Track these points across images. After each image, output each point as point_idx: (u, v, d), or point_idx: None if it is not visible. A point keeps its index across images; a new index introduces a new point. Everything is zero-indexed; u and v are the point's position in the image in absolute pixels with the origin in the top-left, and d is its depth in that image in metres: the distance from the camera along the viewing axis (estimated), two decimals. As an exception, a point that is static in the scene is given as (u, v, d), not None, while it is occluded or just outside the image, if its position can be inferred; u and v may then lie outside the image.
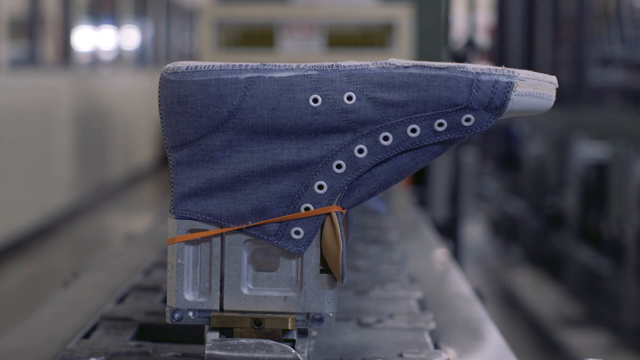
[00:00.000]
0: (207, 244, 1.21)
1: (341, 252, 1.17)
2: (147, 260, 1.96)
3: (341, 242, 1.17)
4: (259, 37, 3.55)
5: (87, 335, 1.42)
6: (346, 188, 1.18)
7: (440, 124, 1.16)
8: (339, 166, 1.17)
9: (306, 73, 1.17)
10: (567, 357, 4.78)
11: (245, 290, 1.21)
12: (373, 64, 1.18)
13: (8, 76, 7.24)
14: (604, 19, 7.19)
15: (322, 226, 1.19)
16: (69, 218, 8.69)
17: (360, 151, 1.17)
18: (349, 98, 1.16)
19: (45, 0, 8.22)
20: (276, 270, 1.21)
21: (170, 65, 1.20)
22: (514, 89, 1.15)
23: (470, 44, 4.79)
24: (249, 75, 1.17)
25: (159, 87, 1.20)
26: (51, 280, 6.42)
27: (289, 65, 1.18)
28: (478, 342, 1.45)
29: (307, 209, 1.18)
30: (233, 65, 1.18)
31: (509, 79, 1.16)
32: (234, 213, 1.19)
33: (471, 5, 10.48)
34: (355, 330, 1.46)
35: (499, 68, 1.17)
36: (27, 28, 7.84)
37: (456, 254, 4.24)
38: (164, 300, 1.60)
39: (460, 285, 1.82)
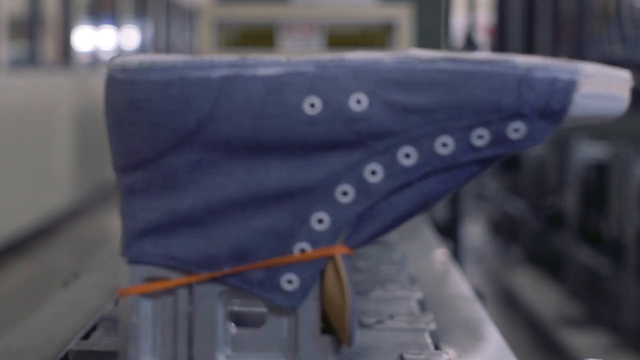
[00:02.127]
0: (170, 298, 0.94)
1: (348, 307, 0.92)
2: (147, 261, 1.95)
3: (348, 293, 0.93)
4: (259, 37, 3.56)
5: (86, 336, 1.42)
6: (355, 222, 0.92)
7: (480, 136, 0.90)
8: (344, 193, 0.91)
9: (299, 69, 0.90)
10: (567, 357, 4.78)
11: (221, 358, 0.95)
12: (389, 56, 0.92)
13: (8, 76, 7.24)
14: (604, 19, 7.18)
15: (322, 272, 0.93)
16: (69, 218, 8.69)
17: (373, 173, 0.90)
18: (357, 102, 0.89)
19: (45, 0, 8.22)
20: (263, 326, 0.96)
21: (119, 61, 0.93)
22: (577, 88, 0.90)
23: (470, 43, 4.79)
24: (224, 72, 0.90)
25: (105, 89, 0.94)
26: (51, 280, 6.42)
27: (277, 59, 0.92)
28: (478, 342, 1.45)
29: (302, 250, 0.92)
30: (203, 60, 0.92)
31: (571, 76, 0.90)
32: (205, 256, 0.92)
33: (471, 5, 10.49)
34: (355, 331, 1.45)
35: (558, 62, 0.92)
36: (27, 28, 7.84)
37: (456, 254, 4.24)
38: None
39: (460, 285, 1.82)
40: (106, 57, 10.68)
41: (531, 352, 4.85)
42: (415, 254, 2.12)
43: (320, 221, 0.91)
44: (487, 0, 11.67)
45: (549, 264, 6.62)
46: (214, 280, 0.92)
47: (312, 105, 0.90)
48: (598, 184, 5.76)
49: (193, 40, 16.66)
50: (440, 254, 2.16)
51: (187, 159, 0.91)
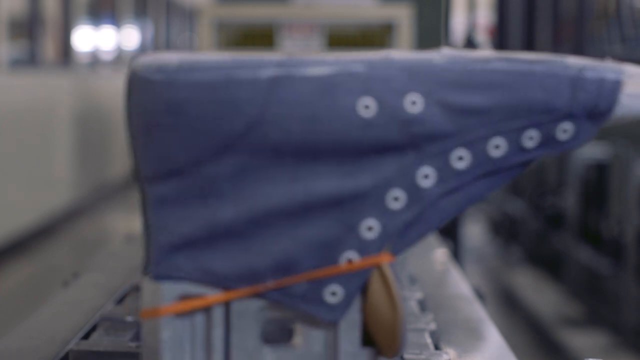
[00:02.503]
0: (202, 316, 0.86)
1: (400, 318, 0.86)
2: (147, 261, 1.95)
3: (399, 303, 0.87)
4: (259, 37, 3.56)
5: (86, 336, 1.42)
6: (403, 228, 0.86)
7: (531, 137, 0.87)
8: (395, 199, 0.85)
9: (350, 69, 0.84)
10: (567, 357, 4.78)
11: None
12: (439, 56, 0.87)
13: (8, 76, 7.24)
14: (604, 19, 7.19)
15: (366, 283, 0.86)
16: (69, 218, 8.69)
17: (426, 177, 0.85)
18: (413, 103, 0.84)
19: (45, 0, 8.22)
20: (298, 341, 0.88)
21: (149, 60, 0.85)
22: (622, 88, 0.89)
23: (471, 43, 4.79)
24: (272, 72, 0.83)
25: (132, 91, 0.84)
26: (51, 280, 6.42)
27: (325, 59, 0.84)
28: (478, 342, 1.45)
29: (349, 260, 0.85)
30: (250, 59, 0.83)
31: (617, 76, 0.89)
32: (246, 270, 0.84)
33: (471, 5, 10.49)
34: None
35: (603, 62, 0.91)
36: (27, 28, 7.84)
37: (456, 254, 4.24)
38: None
39: (460, 285, 1.82)
40: (106, 57, 10.69)
41: (531, 352, 4.85)
42: (415, 254, 2.12)
43: (369, 229, 0.85)
44: (487, 0, 11.68)
45: (549, 264, 6.61)
46: (255, 295, 0.85)
47: (367, 107, 0.84)
48: (598, 184, 5.76)
49: (193, 40, 16.66)
50: (440, 254, 2.16)
51: (229, 166, 0.83)
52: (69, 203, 8.75)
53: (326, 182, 0.83)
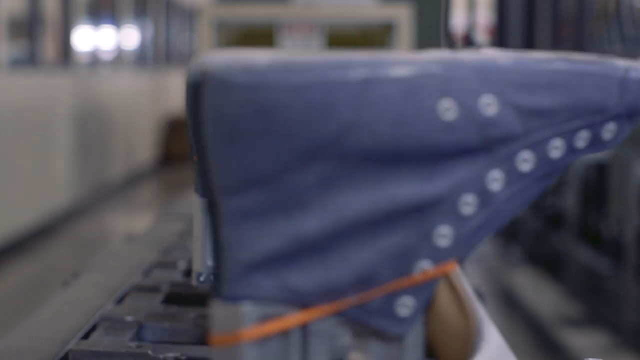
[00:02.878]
0: (278, 340, 0.79)
1: (473, 327, 0.84)
2: (147, 261, 1.95)
3: (472, 311, 0.85)
4: (259, 37, 3.56)
5: (86, 336, 1.42)
6: (472, 234, 0.83)
7: (583, 138, 0.86)
8: (468, 204, 0.82)
9: (428, 70, 0.81)
10: (567, 357, 4.78)
11: None
12: (500, 56, 0.85)
13: (8, 76, 7.24)
14: (604, 19, 7.19)
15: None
16: (69, 218, 8.69)
17: (495, 180, 0.83)
18: (488, 105, 0.82)
19: (45, 0, 8.22)
20: (357, 357, 0.83)
21: (226, 61, 0.77)
22: None
23: (470, 43, 4.79)
24: (361, 73, 0.78)
25: (207, 95, 0.76)
26: (51, 280, 6.42)
27: (402, 58, 0.81)
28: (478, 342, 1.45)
29: (423, 269, 0.81)
30: (338, 60, 0.79)
31: None
32: (325, 285, 0.79)
33: (471, 5, 10.50)
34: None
35: (636, 61, 0.91)
36: (27, 28, 7.84)
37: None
38: (164, 301, 1.60)
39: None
40: (106, 57, 10.68)
41: (531, 352, 4.85)
42: (415, 254, 2.12)
43: (443, 236, 0.81)
44: (487, 0, 11.68)
45: (549, 264, 6.62)
46: (335, 314, 0.80)
47: (447, 110, 0.81)
48: (598, 184, 5.76)
49: (193, 40, 16.66)
50: (440, 254, 2.16)
51: (316, 175, 0.78)
52: (69, 203, 8.75)
53: (407, 188, 0.80)
